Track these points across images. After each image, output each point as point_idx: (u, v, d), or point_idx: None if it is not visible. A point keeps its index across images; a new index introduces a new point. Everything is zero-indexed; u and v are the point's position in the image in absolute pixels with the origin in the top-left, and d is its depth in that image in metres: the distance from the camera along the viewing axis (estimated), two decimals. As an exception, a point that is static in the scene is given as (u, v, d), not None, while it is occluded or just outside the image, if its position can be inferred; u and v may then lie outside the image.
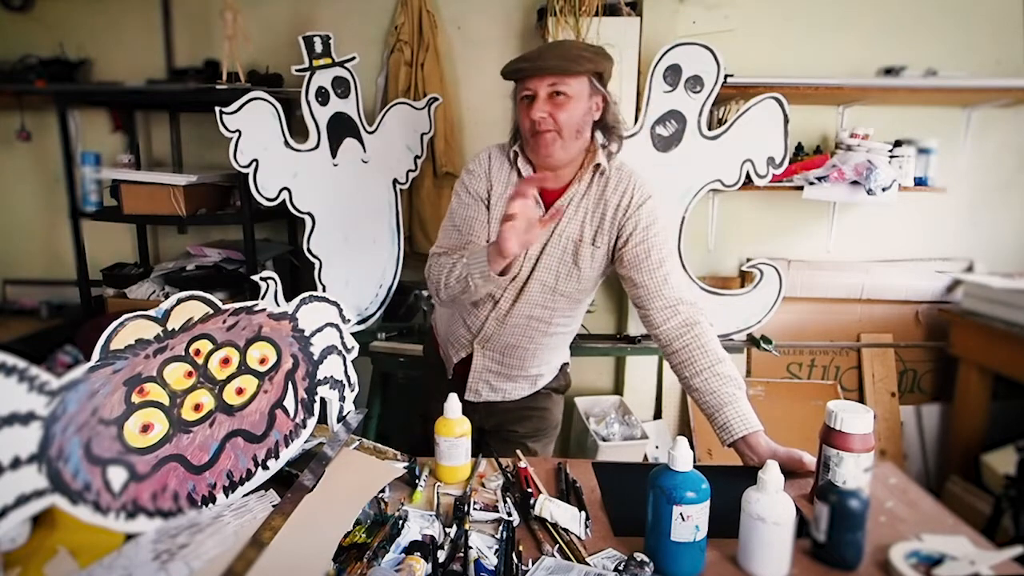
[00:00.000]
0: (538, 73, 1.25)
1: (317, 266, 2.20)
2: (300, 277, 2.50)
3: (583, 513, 1.00)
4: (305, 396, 1.07)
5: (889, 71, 2.39)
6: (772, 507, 0.85)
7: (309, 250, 2.18)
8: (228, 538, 0.86)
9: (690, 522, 0.85)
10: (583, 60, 1.24)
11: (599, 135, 1.35)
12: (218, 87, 2.14)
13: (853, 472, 0.90)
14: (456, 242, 1.39)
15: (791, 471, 1.08)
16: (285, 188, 2.08)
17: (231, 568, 0.80)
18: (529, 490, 1.06)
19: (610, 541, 0.96)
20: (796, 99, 2.25)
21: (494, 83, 2.52)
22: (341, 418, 1.14)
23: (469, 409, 1.35)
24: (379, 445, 1.18)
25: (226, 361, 1.00)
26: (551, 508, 0.98)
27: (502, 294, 1.38)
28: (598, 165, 1.33)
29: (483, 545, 0.93)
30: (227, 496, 0.95)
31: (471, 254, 1.25)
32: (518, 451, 1.24)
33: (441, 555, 0.89)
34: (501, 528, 0.97)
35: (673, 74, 2.14)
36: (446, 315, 1.52)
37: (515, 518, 0.99)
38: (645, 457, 2.29)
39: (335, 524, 0.90)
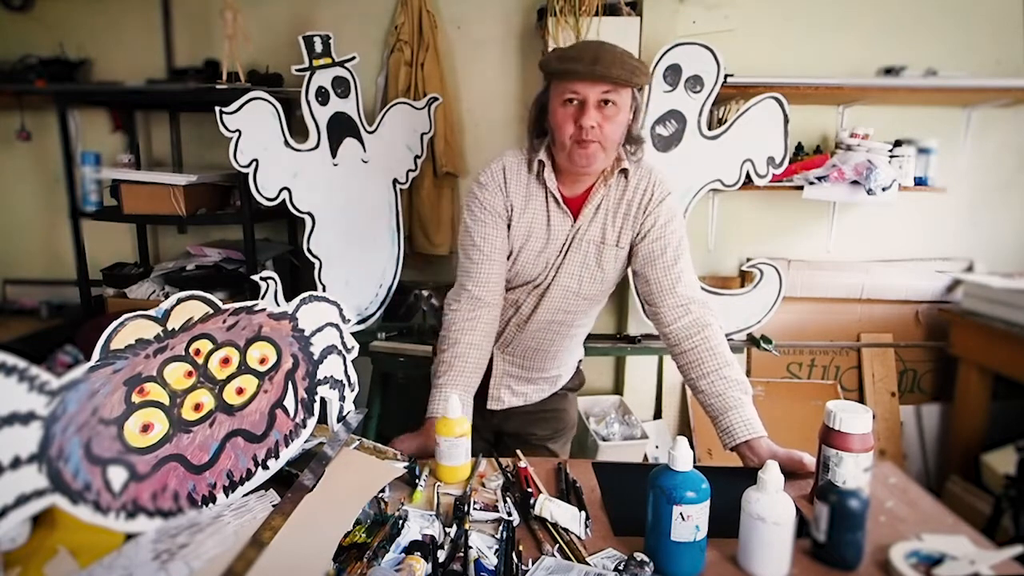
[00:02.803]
0: (596, 79, 1.16)
1: (317, 266, 2.20)
2: (300, 277, 2.50)
3: (583, 513, 1.00)
4: (305, 396, 1.07)
5: (889, 71, 2.39)
6: (772, 507, 0.85)
7: (309, 250, 2.18)
8: (228, 538, 0.86)
9: (690, 522, 0.85)
10: (639, 73, 1.19)
11: None
12: (218, 87, 2.14)
13: (853, 472, 0.90)
14: (475, 264, 1.32)
15: (791, 472, 1.08)
16: (285, 188, 2.08)
17: (231, 568, 0.80)
18: (529, 490, 1.06)
19: (610, 541, 0.96)
20: (796, 99, 2.25)
21: (494, 83, 2.56)
22: (341, 418, 1.14)
23: (488, 414, 1.34)
24: (379, 445, 1.18)
25: (226, 361, 1.00)
26: (551, 508, 0.98)
27: (524, 299, 1.37)
28: (624, 169, 1.31)
29: (483, 545, 0.92)
30: (227, 496, 0.95)
31: (441, 386, 1.26)
32: (518, 451, 1.24)
33: (441, 555, 0.88)
34: (501, 528, 0.97)
35: (673, 74, 2.14)
36: None
37: (515, 518, 0.99)
38: (645, 457, 2.29)
39: (335, 524, 0.89)
